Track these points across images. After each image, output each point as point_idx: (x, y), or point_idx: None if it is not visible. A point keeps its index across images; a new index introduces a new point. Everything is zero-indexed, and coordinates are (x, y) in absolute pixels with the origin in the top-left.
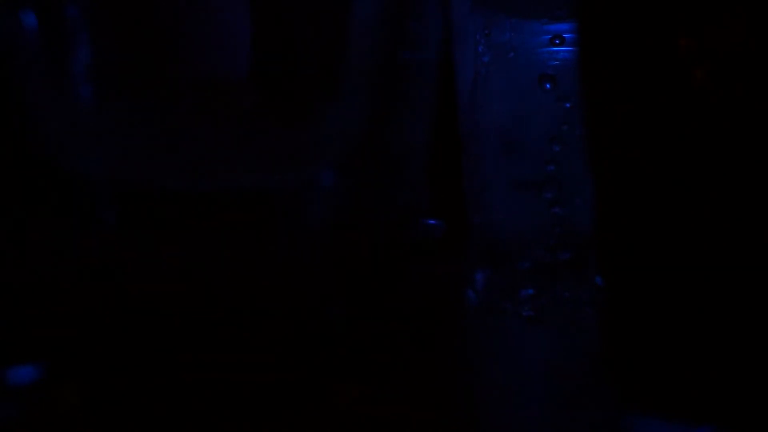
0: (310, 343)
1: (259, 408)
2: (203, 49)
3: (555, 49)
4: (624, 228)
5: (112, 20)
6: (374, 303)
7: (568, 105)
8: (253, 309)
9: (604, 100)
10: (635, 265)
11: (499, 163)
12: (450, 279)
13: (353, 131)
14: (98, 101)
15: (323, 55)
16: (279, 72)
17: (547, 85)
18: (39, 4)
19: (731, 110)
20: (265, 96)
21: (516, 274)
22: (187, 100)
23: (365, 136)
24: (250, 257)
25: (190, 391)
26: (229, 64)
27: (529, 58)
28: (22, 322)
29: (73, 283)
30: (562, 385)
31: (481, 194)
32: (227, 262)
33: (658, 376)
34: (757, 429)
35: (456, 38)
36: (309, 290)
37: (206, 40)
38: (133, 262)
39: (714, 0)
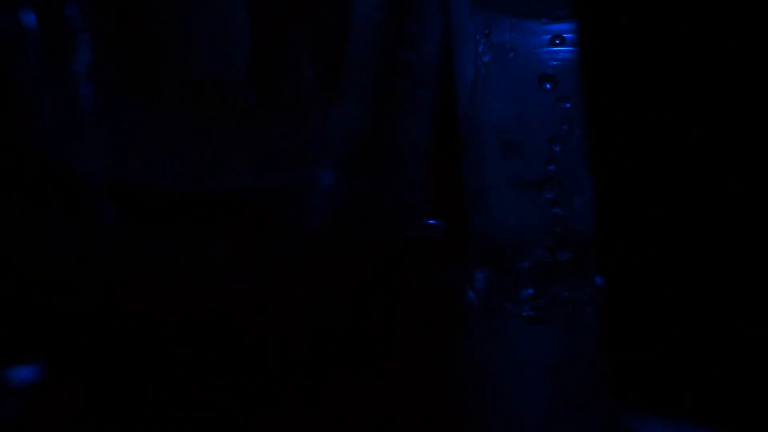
0: (311, 343)
1: (259, 408)
2: (203, 48)
3: (555, 49)
4: (624, 228)
5: (112, 20)
6: (374, 303)
7: (568, 105)
8: (253, 309)
9: (604, 100)
10: (635, 265)
11: (499, 163)
12: (450, 279)
13: (353, 131)
14: (98, 101)
15: (323, 55)
16: (279, 72)
17: (547, 85)
18: (39, 4)
19: (731, 110)
20: (265, 96)
21: (516, 274)
22: (187, 99)
23: (365, 136)
24: (250, 257)
25: (189, 391)
26: (229, 63)
27: (529, 58)
28: (22, 322)
29: (74, 283)
30: (562, 385)
31: (481, 194)
32: (227, 262)
33: (658, 376)
34: (758, 429)
35: (456, 38)
36: (309, 290)
37: (206, 39)
38: (133, 262)
39: (714, 0)
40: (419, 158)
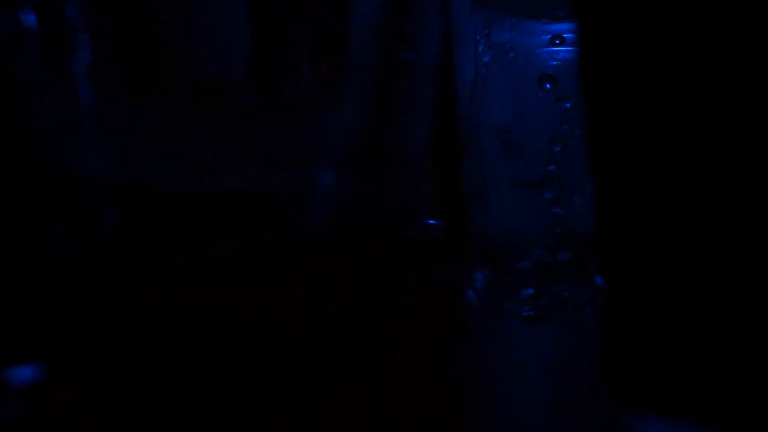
0: (311, 343)
1: (259, 408)
2: (203, 48)
3: (555, 49)
4: (624, 228)
5: (112, 20)
6: (374, 303)
7: (568, 105)
8: (253, 309)
9: (604, 100)
10: (635, 265)
11: (499, 163)
12: (450, 279)
13: (353, 131)
14: (98, 101)
15: (323, 55)
16: (279, 72)
17: (547, 85)
18: (39, 4)
19: (731, 110)
20: (265, 96)
21: (516, 274)
22: (187, 99)
23: (365, 136)
24: (250, 257)
25: (189, 391)
26: (229, 63)
27: (529, 58)
28: (22, 322)
29: (74, 283)
30: (562, 385)
31: (481, 194)
32: (227, 262)
33: (658, 376)
34: (758, 429)
35: (456, 38)
36: (309, 290)
37: (206, 39)
38: (133, 262)
39: (714, 0)
40: (419, 158)
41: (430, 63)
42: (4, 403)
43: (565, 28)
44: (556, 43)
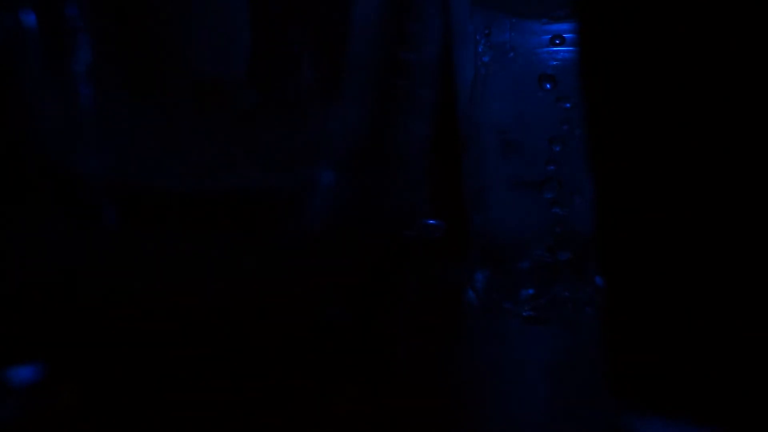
0: (310, 344)
1: (259, 408)
2: (203, 48)
3: (555, 49)
4: (624, 228)
5: (112, 20)
6: (374, 303)
7: (568, 105)
8: (253, 309)
9: (604, 100)
10: (635, 265)
11: (499, 163)
12: (450, 279)
13: (353, 131)
14: (98, 101)
15: (323, 55)
16: (279, 72)
17: (547, 85)
18: (39, 4)
19: (731, 110)
20: (265, 96)
21: (516, 274)
22: (187, 99)
23: (365, 136)
24: (250, 257)
25: (189, 391)
26: (229, 63)
27: (529, 58)
28: (22, 322)
29: (74, 283)
30: (562, 385)
31: (481, 194)
32: (227, 262)
33: (658, 376)
34: (758, 429)
35: (456, 38)
36: (309, 290)
37: (206, 39)
38: (133, 262)
39: (714, 0)
40: (419, 158)
41: (430, 63)
42: (4, 403)
43: (565, 28)
44: (556, 43)
